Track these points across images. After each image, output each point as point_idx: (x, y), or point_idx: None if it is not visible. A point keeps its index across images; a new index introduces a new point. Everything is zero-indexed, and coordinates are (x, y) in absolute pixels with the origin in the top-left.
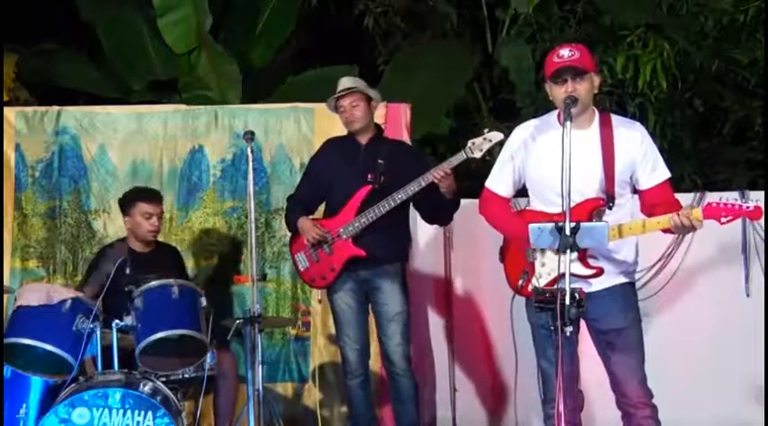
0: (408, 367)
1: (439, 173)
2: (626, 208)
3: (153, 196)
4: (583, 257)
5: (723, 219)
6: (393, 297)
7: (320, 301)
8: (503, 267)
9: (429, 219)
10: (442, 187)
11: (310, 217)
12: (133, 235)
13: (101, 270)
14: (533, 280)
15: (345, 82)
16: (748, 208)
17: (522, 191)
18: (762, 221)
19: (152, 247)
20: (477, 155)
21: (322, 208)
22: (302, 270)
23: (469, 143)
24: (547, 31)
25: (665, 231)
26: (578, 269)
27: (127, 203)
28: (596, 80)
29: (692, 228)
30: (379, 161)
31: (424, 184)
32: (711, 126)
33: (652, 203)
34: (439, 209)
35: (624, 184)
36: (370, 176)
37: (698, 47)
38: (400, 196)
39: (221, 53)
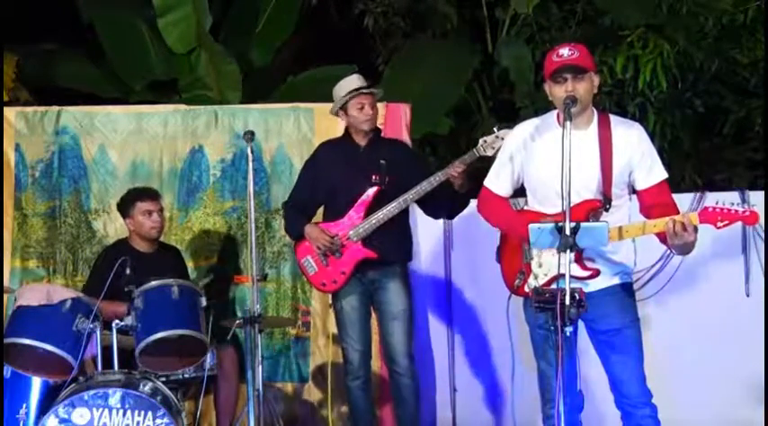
0: (410, 366)
1: (456, 171)
2: (623, 210)
3: (150, 193)
4: (579, 259)
5: (719, 224)
6: (398, 296)
7: (331, 305)
8: (499, 267)
9: (434, 214)
10: (456, 184)
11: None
12: (137, 235)
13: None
14: (530, 280)
15: (358, 80)
16: (744, 212)
17: (521, 192)
18: (762, 221)
19: (155, 247)
20: (490, 153)
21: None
22: (311, 274)
23: (481, 141)
24: (547, 31)
25: (662, 241)
26: (575, 270)
27: (125, 206)
28: (596, 79)
29: (686, 238)
30: (382, 161)
31: (435, 183)
32: (711, 126)
33: (650, 204)
34: (450, 205)
35: (622, 185)
36: (375, 177)
37: (698, 47)
38: (412, 196)
39: (221, 53)
